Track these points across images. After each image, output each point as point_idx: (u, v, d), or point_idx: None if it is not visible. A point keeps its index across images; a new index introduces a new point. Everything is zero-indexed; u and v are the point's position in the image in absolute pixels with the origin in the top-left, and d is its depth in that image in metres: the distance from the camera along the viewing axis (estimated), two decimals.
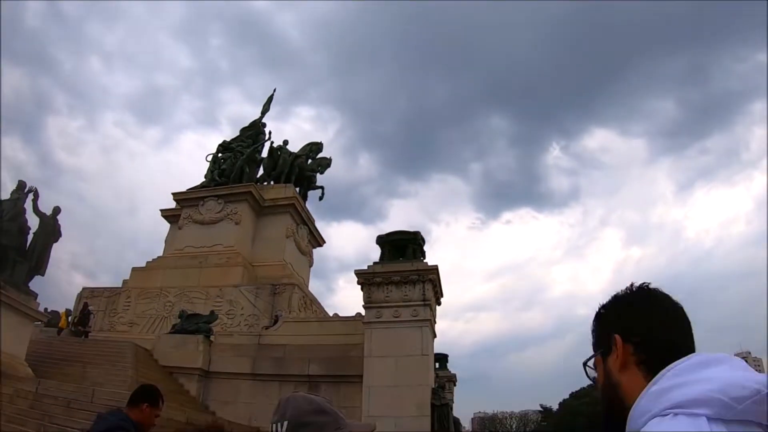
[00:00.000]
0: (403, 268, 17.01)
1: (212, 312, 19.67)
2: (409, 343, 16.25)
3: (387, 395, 15.53)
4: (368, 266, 17.42)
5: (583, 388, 67.33)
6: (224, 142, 31.27)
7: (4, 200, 16.41)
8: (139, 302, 24.06)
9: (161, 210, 29.64)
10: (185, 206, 27.50)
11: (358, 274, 17.15)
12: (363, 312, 17.68)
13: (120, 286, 26.44)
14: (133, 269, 26.49)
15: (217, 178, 28.13)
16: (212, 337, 18.92)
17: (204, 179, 29.82)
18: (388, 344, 16.31)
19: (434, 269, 17.10)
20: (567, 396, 64.99)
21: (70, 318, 23.83)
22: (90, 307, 22.47)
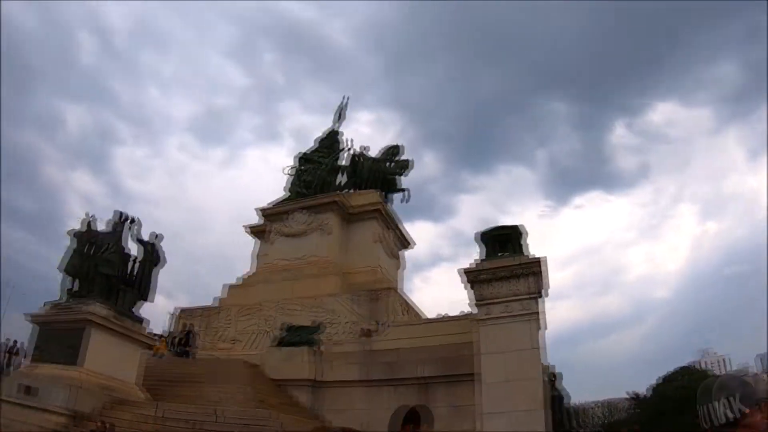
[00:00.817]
0: (508, 263, 17.10)
1: (319, 323, 20.36)
2: (519, 338, 16.32)
3: (501, 391, 15.67)
4: (472, 264, 17.65)
5: (673, 371, 64.68)
6: (302, 154, 32.26)
7: (105, 231, 17.47)
8: (240, 319, 25.19)
9: (246, 226, 30.93)
10: (272, 221, 28.60)
11: (466, 272, 17.37)
12: (468, 310, 17.92)
13: (210, 304, 27.57)
14: (230, 286, 27.72)
15: (301, 189, 29.04)
16: (321, 348, 19.55)
17: (286, 192, 30.89)
18: (499, 340, 16.44)
19: (538, 261, 17.09)
20: (657, 381, 63.11)
21: (171, 339, 25.01)
22: (194, 328, 23.60)
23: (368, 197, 28.85)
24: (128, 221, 17.50)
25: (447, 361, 17.67)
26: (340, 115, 34.23)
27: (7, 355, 22.90)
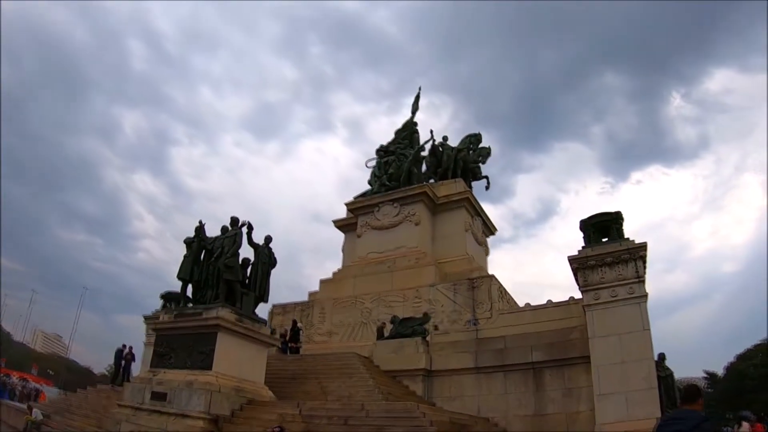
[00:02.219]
0: (614, 249, 17.70)
1: (425, 314, 21.65)
2: (629, 320, 16.97)
3: (614, 372, 16.42)
4: (579, 251, 18.32)
5: (750, 349, 63.01)
6: (381, 146, 33.32)
7: (225, 237, 18.62)
8: (335, 312, 26.63)
9: (334, 221, 32.40)
10: (360, 214, 29.89)
11: (572, 260, 18.12)
12: (578, 295, 18.55)
13: (306, 299, 29.01)
14: (322, 281, 29.31)
15: (387, 182, 30.08)
16: (428, 338, 20.56)
17: (369, 186, 32.16)
18: (609, 323, 17.10)
19: (644, 246, 17.62)
20: (732, 359, 61.77)
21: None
22: (299, 324, 25.03)
23: (455, 186, 29.72)
24: (244, 226, 18.63)
25: (556, 345, 18.48)
26: (416, 106, 35.00)
27: (123, 362, 24.84)
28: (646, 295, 17.23)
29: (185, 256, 19.05)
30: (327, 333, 26.15)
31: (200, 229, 19.36)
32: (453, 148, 31.77)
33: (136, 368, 26.57)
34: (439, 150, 31.87)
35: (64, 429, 17.27)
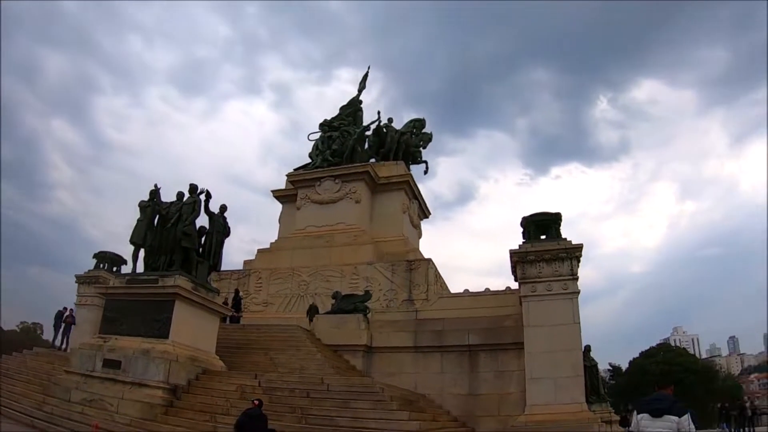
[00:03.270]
0: (553, 247, 19.34)
1: (367, 291, 22.55)
2: (561, 313, 18.71)
3: (545, 359, 18.10)
4: (519, 246, 19.79)
5: (653, 347, 70.84)
6: (325, 120, 33.57)
7: (183, 204, 18.43)
8: (272, 283, 26.94)
9: (273, 191, 32.29)
10: (301, 187, 30.12)
11: (514, 253, 19.57)
12: (503, 285, 20.30)
13: (242, 268, 29.00)
14: (259, 251, 29.43)
15: (330, 158, 30.38)
16: (369, 315, 21.51)
17: (310, 159, 32.33)
18: (543, 315, 18.79)
19: (580, 247, 19.39)
20: (637, 355, 68.91)
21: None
22: (241, 293, 25.12)
23: (396, 169, 30.57)
24: (202, 194, 18.45)
25: (491, 331, 20.00)
26: (363, 85, 35.33)
27: (63, 324, 23.80)
28: (578, 292, 19.00)
29: (139, 220, 18.72)
30: (263, 303, 26.41)
31: (155, 193, 19.03)
32: (397, 131, 32.54)
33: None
34: (383, 131, 32.51)
35: (6, 396, 16.60)
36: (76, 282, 27.29)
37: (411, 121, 33.41)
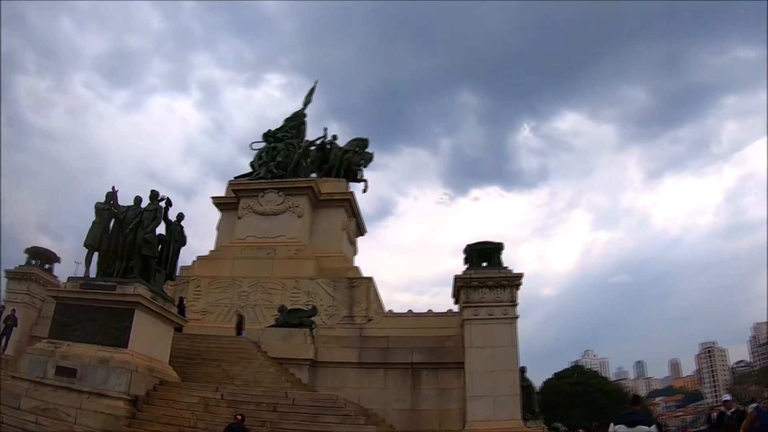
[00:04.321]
0: (495, 275, 20.97)
1: (313, 307, 23.15)
2: (501, 336, 20.38)
3: (486, 378, 19.63)
4: (464, 272, 21.27)
5: (567, 369, 75.73)
6: (269, 131, 33.69)
7: (144, 210, 18.25)
8: (211, 291, 26.65)
9: (213, 198, 32.08)
10: (243, 196, 30.04)
11: (458, 278, 20.95)
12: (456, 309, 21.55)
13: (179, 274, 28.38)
14: (199, 258, 29.09)
15: (274, 170, 30.59)
16: (315, 330, 22.10)
17: (252, 168, 32.45)
18: (484, 337, 20.35)
19: (520, 276, 21.09)
20: (550, 376, 73.27)
21: None
22: (185, 302, 24.54)
23: (338, 186, 31.28)
24: (163, 201, 18.32)
25: (433, 350, 21.29)
26: (309, 98, 35.85)
27: (4, 325, 22.38)
28: (517, 317, 20.70)
29: (95, 222, 18.25)
30: (201, 311, 25.94)
31: (113, 195, 18.73)
32: (341, 148, 33.22)
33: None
34: (328, 147, 33.13)
35: None
36: (5, 277, 25.82)
37: (354, 140, 34.24)
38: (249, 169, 32.74)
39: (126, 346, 15.71)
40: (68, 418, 14.15)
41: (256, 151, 33.02)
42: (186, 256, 28.10)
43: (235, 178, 32.20)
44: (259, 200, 29.54)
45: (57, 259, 27.25)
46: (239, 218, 29.60)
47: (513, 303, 20.78)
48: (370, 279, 25.72)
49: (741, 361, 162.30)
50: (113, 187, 18.91)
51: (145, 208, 18.15)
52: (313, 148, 33.26)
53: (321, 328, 22.83)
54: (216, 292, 26.60)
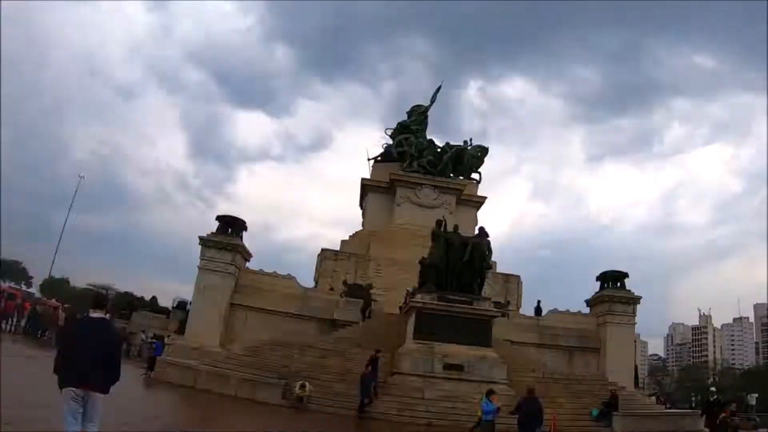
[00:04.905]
0: (625, 295, 32.35)
1: (508, 302, 32.08)
2: (627, 336, 32.17)
3: (616, 359, 30.98)
4: (603, 291, 32.42)
5: None
6: (403, 122, 40.49)
7: (474, 242, 24.52)
8: (388, 270, 33.62)
9: (363, 179, 38.72)
10: (400, 186, 36.82)
11: (604, 295, 32.04)
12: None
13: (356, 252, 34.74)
14: (371, 235, 36.39)
15: (426, 166, 37.58)
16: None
17: (388, 150, 40.30)
18: (616, 334, 31.74)
19: (639, 298, 32.62)
20: None
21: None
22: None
23: (474, 189, 40.46)
24: (488, 237, 25.78)
25: (582, 338, 32.31)
26: (434, 98, 42.50)
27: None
28: (634, 324, 32.48)
29: (435, 247, 24.87)
30: (384, 289, 32.45)
31: (442, 223, 25.77)
32: (472, 155, 41.36)
33: None
34: (464, 151, 40.75)
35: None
36: (199, 244, 29.88)
37: (478, 146, 41.86)
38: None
39: (489, 346, 23.37)
40: (473, 400, 18.10)
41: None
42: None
43: (376, 159, 38.72)
44: (416, 193, 37.01)
45: (245, 227, 31.44)
46: (398, 205, 36.69)
47: (633, 315, 32.41)
48: (518, 277, 35.28)
49: (654, 355, 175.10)
50: (443, 217, 25.98)
51: (472, 239, 25.52)
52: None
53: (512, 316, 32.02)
54: (391, 272, 33.58)
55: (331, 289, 32.39)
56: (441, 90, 44.02)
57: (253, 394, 19.36)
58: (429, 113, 42.50)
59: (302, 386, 19.20)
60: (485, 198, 40.73)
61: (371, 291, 30.68)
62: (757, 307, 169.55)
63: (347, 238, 37.34)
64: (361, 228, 39.87)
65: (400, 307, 27.93)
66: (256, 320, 29.61)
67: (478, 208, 40.25)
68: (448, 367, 21.17)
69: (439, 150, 39.44)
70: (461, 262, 24.09)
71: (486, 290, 31.98)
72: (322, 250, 34.25)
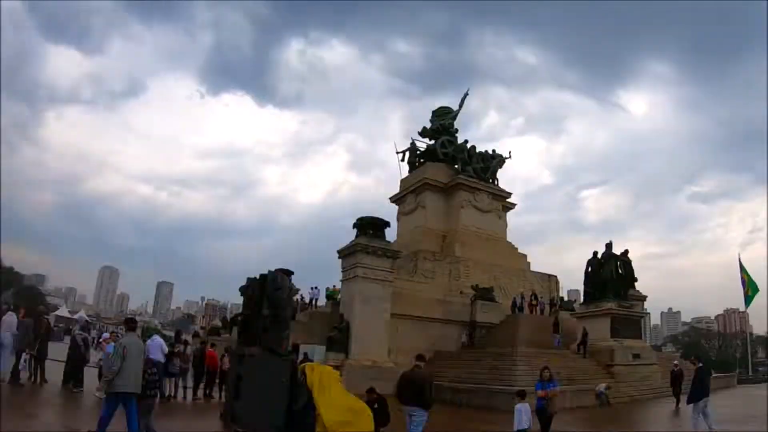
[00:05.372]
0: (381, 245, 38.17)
1: (569, 300, 36.70)
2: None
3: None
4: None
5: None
6: (441, 125, 43.50)
7: (605, 261, 30.48)
8: (474, 271, 35.91)
9: (429, 179, 40.90)
10: (462, 189, 38.52)
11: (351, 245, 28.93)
12: None
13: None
14: (443, 235, 38.37)
15: (481, 174, 40.33)
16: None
17: (442, 156, 43.11)
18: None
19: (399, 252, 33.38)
20: None
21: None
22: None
23: (508, 199, 43.40)
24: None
25: None
26: (462, 104, 46.81)
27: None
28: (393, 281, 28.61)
29: (607, 263, 29.11)
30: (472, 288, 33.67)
31: (596, 254, 29.56)
32: (497, 164, 43.65)
33: None
34: (490, 159, 43.84)
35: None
36: (356, 251, 27.24)
37: (498, 154, 44.16)
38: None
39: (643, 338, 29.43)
40: (654, 377, 27.09)
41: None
42: None
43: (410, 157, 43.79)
44: (474, 197, 38.86)
45: (388, 224, 29.61)
46: (462, 207, 38.08)
47: (391, 270, 28.39)
48: (556, 276, 39.99)
49: None
50: (608, 243, 29.70)
51: (604, 260, 29.84)
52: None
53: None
54: (476, 273, 35.89)
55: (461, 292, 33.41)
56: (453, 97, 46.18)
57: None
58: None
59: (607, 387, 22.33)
60: (515, 204, 44.66)
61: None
62: None
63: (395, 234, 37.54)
64: (397, 222, 41.27)
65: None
66: (408, 328, 29.07)
67: (504, 213, 43.61)
68: (634, 357, 27.09)
69: (481, 155, 42.09)
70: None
71: (527, 284, 36.95)
72: (421, 251, 34.42)
